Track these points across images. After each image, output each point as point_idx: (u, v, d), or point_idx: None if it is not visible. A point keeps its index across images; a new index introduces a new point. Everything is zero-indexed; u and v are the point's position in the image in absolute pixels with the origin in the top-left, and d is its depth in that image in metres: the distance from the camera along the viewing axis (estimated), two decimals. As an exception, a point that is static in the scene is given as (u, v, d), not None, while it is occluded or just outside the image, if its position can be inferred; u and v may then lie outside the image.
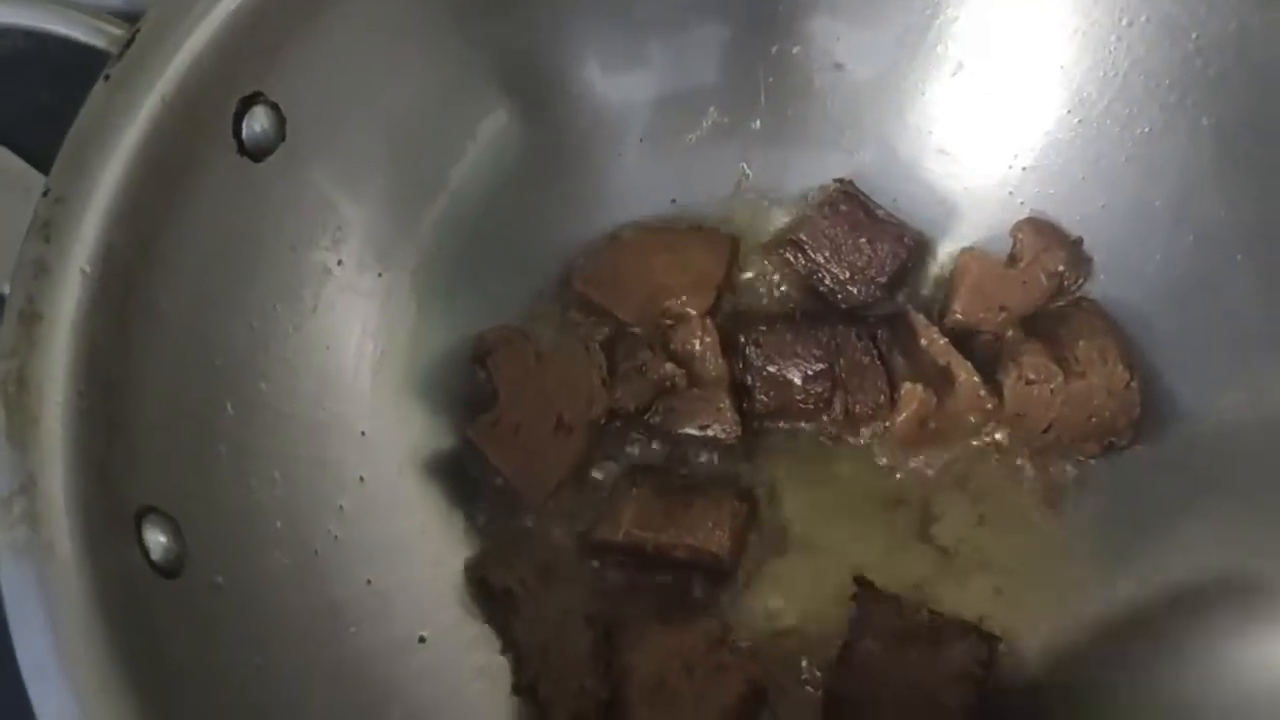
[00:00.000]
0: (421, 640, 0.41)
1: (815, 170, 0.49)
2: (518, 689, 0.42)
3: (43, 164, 0.53)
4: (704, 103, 0.49)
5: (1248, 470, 0.41)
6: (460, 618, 0.43)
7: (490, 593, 0.43)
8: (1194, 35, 0.42)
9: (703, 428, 0.45)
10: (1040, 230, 0.46)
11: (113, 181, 0.34)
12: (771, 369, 0.46)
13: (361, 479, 0.42)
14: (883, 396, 0.45)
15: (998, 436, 0.46)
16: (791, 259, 0.48)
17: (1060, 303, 0.47)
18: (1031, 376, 0.44)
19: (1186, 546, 0.41)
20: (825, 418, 0.46)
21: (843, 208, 0.47)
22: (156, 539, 0.33)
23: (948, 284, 0.48)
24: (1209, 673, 0.39)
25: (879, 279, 0.47)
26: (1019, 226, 0.46)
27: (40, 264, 0.33)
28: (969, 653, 0.41)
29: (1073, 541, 0.44)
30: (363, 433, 0.43)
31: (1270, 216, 0.41)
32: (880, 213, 0.47)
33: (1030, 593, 0.43)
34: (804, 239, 0.47)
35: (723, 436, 0.45)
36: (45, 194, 0.34)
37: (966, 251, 0.47)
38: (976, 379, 0.45)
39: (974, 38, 0.46)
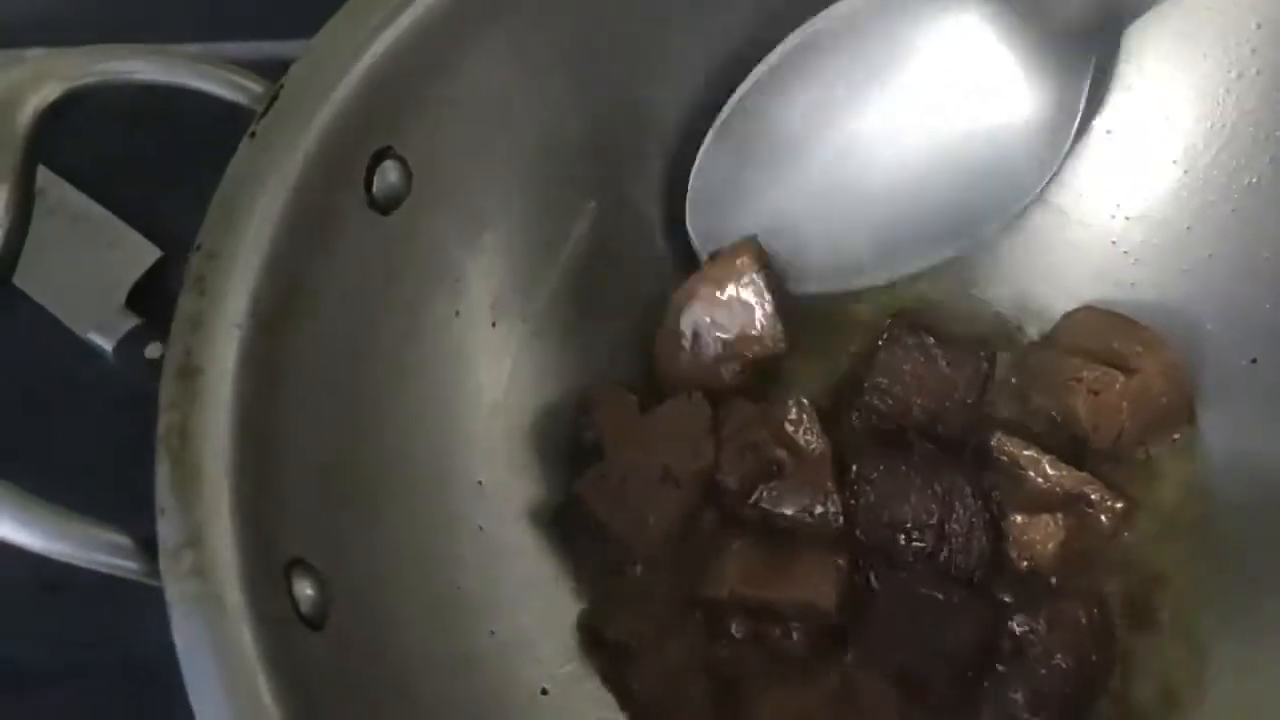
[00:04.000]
0: (544, 692, 0.41)
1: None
2: (638, 744, 0.42)
3: (122, 211, 0.54)
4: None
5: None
6: (579, 670, 0.43)
7: (604, 647, 0.43)
8: (1305, 88, 0.43)
9: (806, 510, 0.44)
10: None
11: (260, 236, 0.35)
12: (880, 511, 0.44)
13: (480, 528, 0.43)
14: (979, 562, 0.44)
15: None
16: (880, 404, 0.46)
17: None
18: (1097, 388, 0.44)
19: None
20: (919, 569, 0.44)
21: (910, 340, 0.47)
22: (304, 591, 0.34)
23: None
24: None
25: (968, 400, 0.46)
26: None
27: (196, 318, 0.33)
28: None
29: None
30: (480, 482, 0.43)
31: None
32: (944, 334, 0.47)
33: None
34: (883, 382, 0.46)
35: (830, 518, 0.44)
36: (198, 248, 0.34)
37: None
38: (1107, 490, 0.44)
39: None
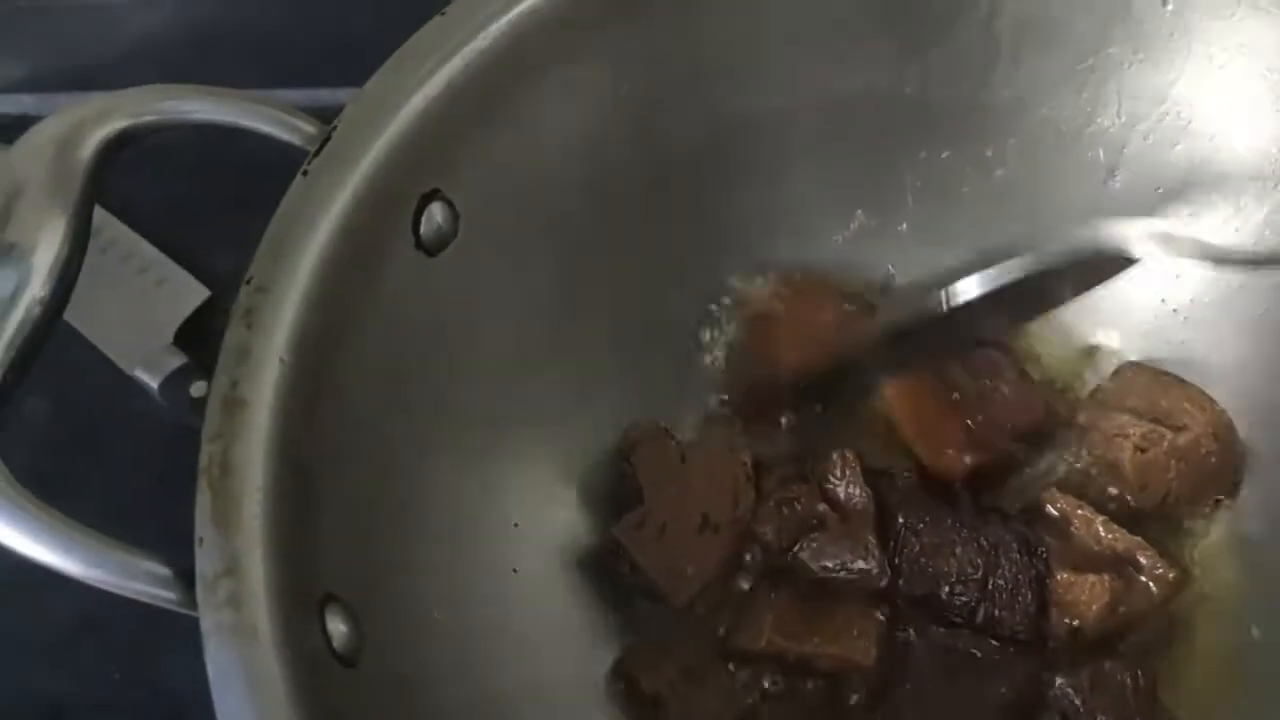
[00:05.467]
0: (574, 740, 0.41)
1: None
2: (667, 792, 0.41)
3: (173, 251, 0.55)
4: (852, 205, 0.49)
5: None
6: (611, 718, 0.42)
7: (639, 696, 0.43)
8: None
9: (847, 565, 0.44)
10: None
11: (308, 271, 0.35)
12: (924, 562, 0.44)
13: (515, 571, 0.43)
14: (1023, 619, 0.43)
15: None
16: None
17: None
18: (1144, 445, 0.44)
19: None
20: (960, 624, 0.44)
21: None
22: (338, 627, 0.33)
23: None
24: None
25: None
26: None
27: (243, 350, 0.33)
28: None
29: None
30: (516, 524, 0.43)
31: None
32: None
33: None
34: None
35: (873, 574, 0.44)
36: (248, 282, 0.35)
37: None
38: (1159, 557, 0.43)
39: (1127, 144, 0.46)
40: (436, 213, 0.40)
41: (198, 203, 0.58)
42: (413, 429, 0.40)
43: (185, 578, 0.31)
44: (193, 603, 0.30)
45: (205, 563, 0.30)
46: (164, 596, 0.31)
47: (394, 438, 0.39)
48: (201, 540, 0.31)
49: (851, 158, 0.48)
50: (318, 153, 0.36)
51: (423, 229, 0.39)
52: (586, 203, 0.44)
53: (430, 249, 0.40)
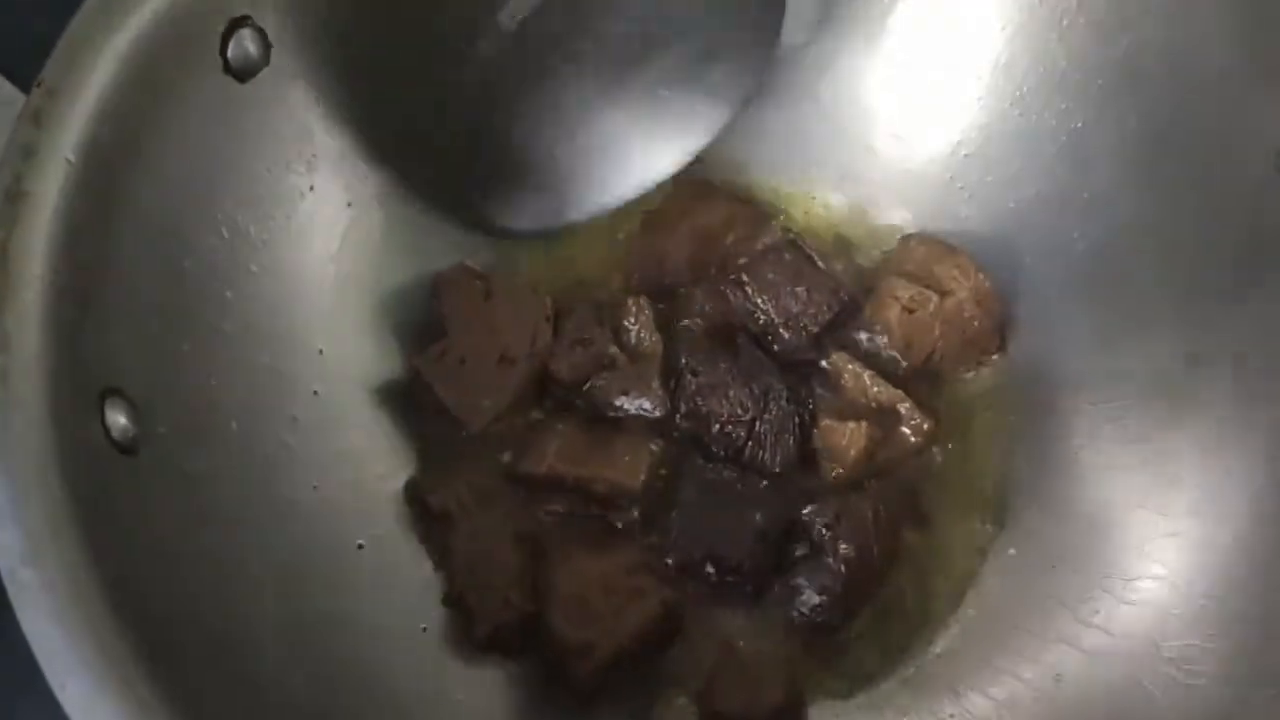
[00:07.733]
0: (360, 547, 0.44)
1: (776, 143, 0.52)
2: (448, 599, 0.44)
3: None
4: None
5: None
6: (397, 532, 0.45)
7: (428, 512, 0.45)
8: (1124, 42, 0.45)
9: (631, 402, 0.47)
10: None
11: (102, 80, 0.36)
12: (699, 401, 0.47)
13: (315, 393, 0.45)
14: (784, 459, 0.46)
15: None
16: (730, 295, 0.49)
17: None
18: (912, 307, 0.47)
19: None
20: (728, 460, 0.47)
21: (787, 256, 0.49)
22: (117, 419, 0.36)
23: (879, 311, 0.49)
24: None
25: (811, 329, 0.48)
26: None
27: (29, 148, 0.35)
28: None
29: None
30: (320, 350, 0.45)
31: (1174, 212, 0.45)
32: (821, 265, 0.49)
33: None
34: (745, 279, 0.48)
35: (649, 409, 0.47)
36: (39, 85, 0.36)
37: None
38: (918, 409, 0.47)
39: (914, 34, 0.50)
40: (247, 39, 0.41)
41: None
42: (214, 246, 0.41)
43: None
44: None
45: (-25, 337, 0.32)
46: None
47: (193, 252, 0.40)
48: (-24, 319, 0.33)
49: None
50: (119, -35, 0.37)
51: (231, 54, 0.40)
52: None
53: (239, 75, 0.41)
